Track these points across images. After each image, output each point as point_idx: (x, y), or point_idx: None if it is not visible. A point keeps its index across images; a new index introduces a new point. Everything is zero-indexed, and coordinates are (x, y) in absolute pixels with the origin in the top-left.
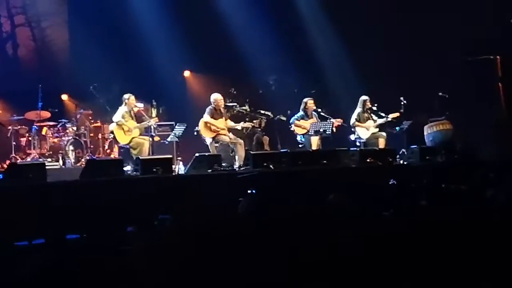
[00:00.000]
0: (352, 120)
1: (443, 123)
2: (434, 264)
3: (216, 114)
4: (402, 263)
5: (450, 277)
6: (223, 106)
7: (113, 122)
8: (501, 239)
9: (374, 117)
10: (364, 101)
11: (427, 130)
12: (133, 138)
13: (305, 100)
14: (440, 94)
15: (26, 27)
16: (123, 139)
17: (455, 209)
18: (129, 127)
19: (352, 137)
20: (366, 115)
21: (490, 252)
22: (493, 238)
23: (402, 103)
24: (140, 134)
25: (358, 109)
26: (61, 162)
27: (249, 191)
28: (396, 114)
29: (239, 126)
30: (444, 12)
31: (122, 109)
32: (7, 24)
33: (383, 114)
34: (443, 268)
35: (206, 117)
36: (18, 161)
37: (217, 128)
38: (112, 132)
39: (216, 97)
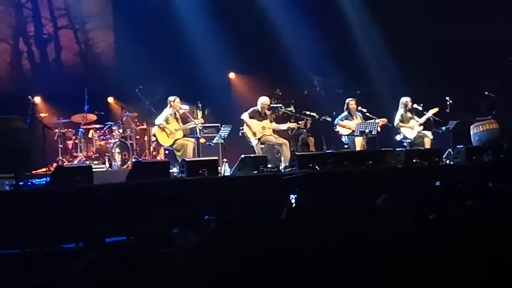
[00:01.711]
0: (396, 121)
1: (489, 122)
2: (490, 263)
3: (259, 116)
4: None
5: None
6: (268, 109)
7: (155, 125)
8: None
9: (416, 118)
10: (406, 102)
11: (474, 130)
12: (176, 140)
13: (347, 100)
14: (486, 93)
15: (69, 29)
16: (165, 141)
17: (504, 207)
18: (172, 129)
19: (398, 137)
20: (409, 115)
21: None
22: None
23: (448, 102)
24: (184, 136)
25: (401, 110)
26: (107, 164)
27: (291, 196)
28: (436, 109)
29: (285, 126)
30: (491, 11)
31: (166, 112)
32: (49, 26)
33: (425, 113)
34: (498, 266)
35: (245, 116)
36: (65, 164)
37: (255, 132)
38: (154, 135)
39: (263, 100)
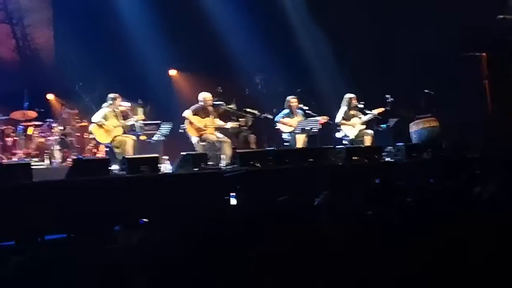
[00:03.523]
0: (338, 118)
1: (429, 120)
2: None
3: (202, 112)
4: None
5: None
6: (211, 105)
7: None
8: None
9: (360, 115)
10: (350, 98)
11: (413, 128)
12: (115, 137)
13: (288, 98)
14: (427, 91)
15: (6, 24)
16: (103, 139)
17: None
18: (110, 126)
19: (339, 135)
20: (351, 112)
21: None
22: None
23: (388, 100)
24: (124, 133)
25: (344, 107)
26: (47, 161)
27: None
28: (381, 109)
29: (228, 125)
30: (430, 9)
31: (105, 109)
32: None
33: (368, 111)
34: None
35: (187, 112)
36: (3, 161)
37: (200, 127)
38: (91, 132)
39: (204, 95)
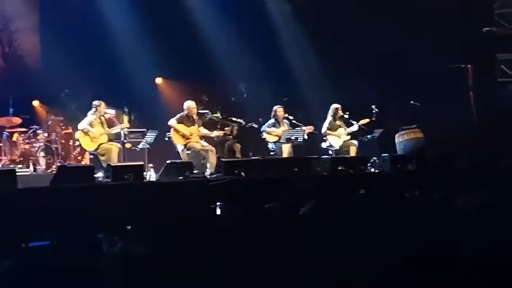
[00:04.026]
0: (324, 129)
1: (414, 131)
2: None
3: (187, 121)
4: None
5: None
6: (195, 113)
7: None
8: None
9: (345, 125)
10: (336, 109)
11: (398, 139)
12: (100, 144)
13: (274, 108)
14: (412, 102)
15: None
16: (89, 146)
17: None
18: (96, 133)
19: (324, 145)
20: (337, 123)
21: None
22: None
23: (374, 111)
24: (110, 140)
25: (329, 118)
26: (31, 168)
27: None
28: (366, 120)
29: (213, 134)
30: (416, 21)
31: (90, 116)
32: None
33: (354, 122)
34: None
35: (172, 121)
36: None
37: (186, 135)
38: (77, 140)
39: (189, 104)
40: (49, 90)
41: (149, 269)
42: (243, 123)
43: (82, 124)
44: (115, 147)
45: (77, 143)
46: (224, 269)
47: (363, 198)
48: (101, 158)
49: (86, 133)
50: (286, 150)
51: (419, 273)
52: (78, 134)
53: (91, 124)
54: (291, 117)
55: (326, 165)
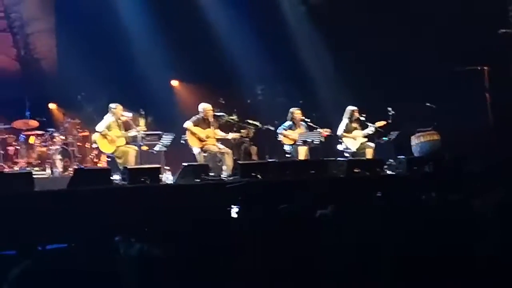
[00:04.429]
0: (340, 131)
1: (430, 133)
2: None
3: (203, 123)
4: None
5: None
6: (211, 115)
7: (96, 131)
8: None
9: (361, 128)
10: (352, 111)
11: (415, 141)
12: (118, 147)
13: (291, 110)
14: (428, 104)
15: (8, 33)
16: (107, 149)
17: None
18: (113, 136)
19: (340, 147)
20: (353, 125)
21: None
22: None
23: (390, 113)
24: (127, 143)
25: (345, 120)
26: (48, 171)
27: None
28: (382, 123)
29: (229, 136)
30: (432, 23)
31: (108, 119)
32: None
33: (370, 124)
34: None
35: (188, 123)
36: (5, 170)
37: (202, 137)
38: (95, 142)
39: (204, 106)
40: (66, 93)
41: (167, 271)
42: (260, 125)
43: (100, 126)
44: (132, 150)
45: (94, 145)
46: (240, 271)
47: (379, 201)
48: (118, 161)
49: (104, 135)
50: (303, 152)
51: (436, 275)
52: (96, 137)
53: (108, 127)
54: (307, 120)
55: (343, 168)
